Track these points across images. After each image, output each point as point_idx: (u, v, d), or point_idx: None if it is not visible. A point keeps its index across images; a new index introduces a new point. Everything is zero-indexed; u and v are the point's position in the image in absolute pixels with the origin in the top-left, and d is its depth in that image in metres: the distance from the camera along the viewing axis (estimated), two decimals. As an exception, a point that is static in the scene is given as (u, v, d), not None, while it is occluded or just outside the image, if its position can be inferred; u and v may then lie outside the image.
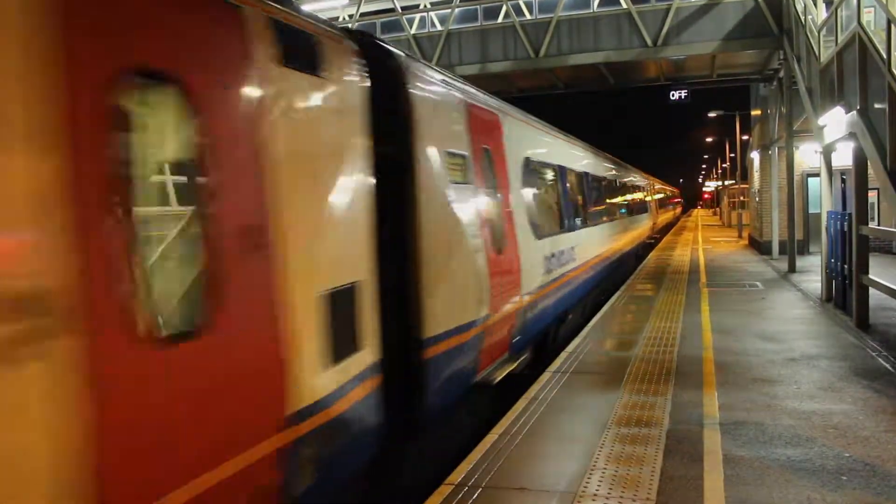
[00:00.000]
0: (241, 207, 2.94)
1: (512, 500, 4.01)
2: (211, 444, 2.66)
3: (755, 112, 25.42)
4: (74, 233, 2.15)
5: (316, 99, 3.57)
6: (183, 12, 2.77)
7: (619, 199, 16.74)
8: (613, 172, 16.18)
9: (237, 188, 2.92)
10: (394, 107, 4.67)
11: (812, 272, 14.45)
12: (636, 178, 22.01)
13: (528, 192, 7.58)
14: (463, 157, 5.58)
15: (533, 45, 18.64)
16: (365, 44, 4.33)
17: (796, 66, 14.07)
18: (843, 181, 10.22)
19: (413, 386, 4.60)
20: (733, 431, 5.10)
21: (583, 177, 11.58)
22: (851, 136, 8.77)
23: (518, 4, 19.26)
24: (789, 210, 15.86)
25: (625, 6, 17.88)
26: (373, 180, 4.06)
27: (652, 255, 21.70)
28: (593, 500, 3.95)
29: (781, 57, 16.61)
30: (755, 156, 23.41)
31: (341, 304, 3.58)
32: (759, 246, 21.16)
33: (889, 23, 7.28)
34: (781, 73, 16.86)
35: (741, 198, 33.57)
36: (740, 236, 29.46)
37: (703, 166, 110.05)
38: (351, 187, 3.83)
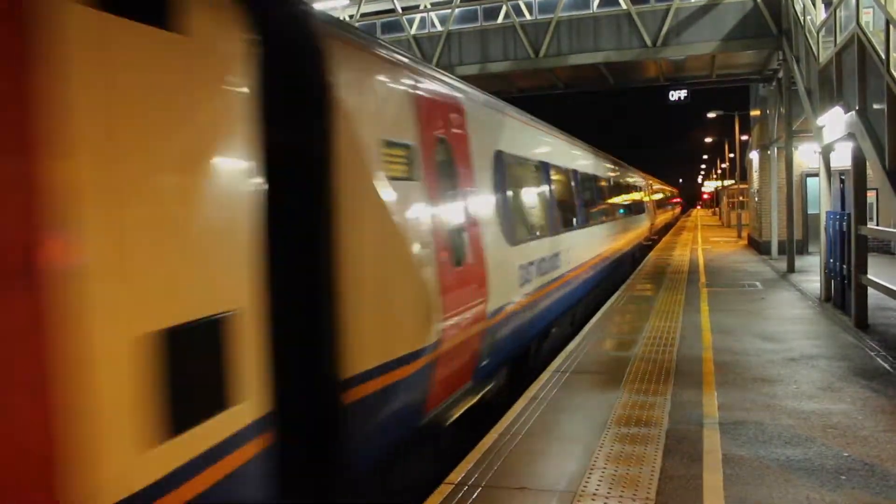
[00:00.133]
0: None
1: (512, 500, 4.02)
2: None
3: (754, 112, 25.47)
4: None
5: (155, 62, 2.54)
6: None
7: (613, 200, 15.57)
8: (607, 171, 15.16)
9: None
10: (306, 82, 3.74)
11: (811, 272, 14.47)
12: (633, 177, 21.16)
13: (501, 192, 6.55)
14: (406, 147, 4.53)
15: (533, 46, 18.66)
16: None
17: (795, 67, 14.09)
18: (842, 181, 10.22)
19: (330, 438, 3.70)
20: (733, 431, 5.12)
21: (571, 175, 10.52)
22: (850, 136, 8.79)
23: (518, 5, 19.28)
24: (788, 210, 15.88)
25: (625, 6, 17.90)
26: (258, 176, 3.05)
27: (651, 255, 21.70)
28: (593, 499, 3.97)
29: (781, 57, 16.64)
30: (754, 156, 23.43)
31: (195, 344, 2.62)
32: (758, 246, 21.18)
33: (888, 23, 7.30)
34: (781, 74, 16.88)
35: (740, 198, 33.59)
36: (739, 236, 29.48)
37: (703, 166, 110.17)
38: (217, 185, 2.82)
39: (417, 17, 20.67)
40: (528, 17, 19.22)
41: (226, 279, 2.82)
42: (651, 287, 13.55)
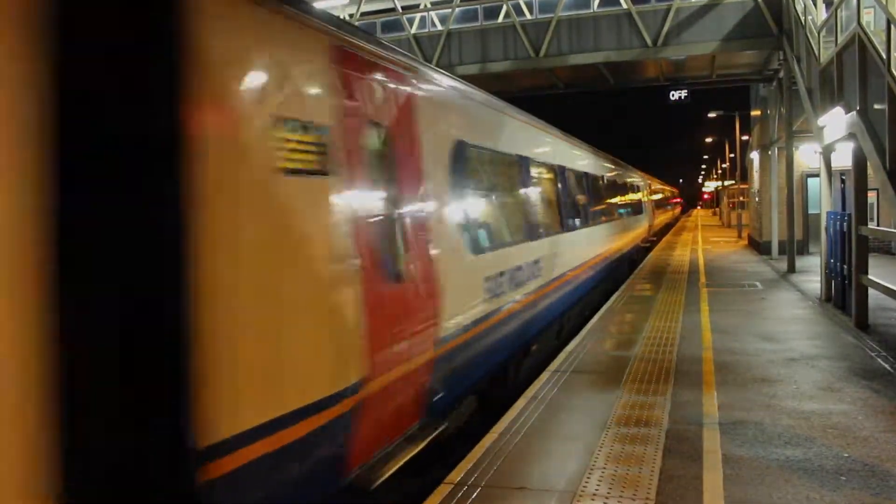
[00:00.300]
0: None
1: (511, 499, 4.01)
2: None
3: (755, 112, 25.44)
4: None
5: None
6: None
7: (607, 200, 14.56)
8: (600, 169, 14.15)
9: None
10: (143, 26, 2.72)
11: (811, 272, 14.45)
12: (630, 176, 20.51)
13: (462, 191, 5.57)
14: (318, 130, 3.51)
15: (533, 45, 18.65)
16: None
17: (796, 67, 14.08)
18: (843, 181, 10.22)
19: None
20: (733, 431, 5.11)
21: (557, 172, 9.53)
22: (851, 136, 8.78)
23: (518, 4, 19.27)
24: (789, 210, 15.87)
25: (625, 6, 17.89)
26: (33, 174, 2.26)
27: (651, 255, 21.69)
28: (593, 499, 3.96)
29: (781, 57, 16.63)
30: (755, 156, 23.42)
31: None
32: (758, 246, 21.17)
33: (889, 23, 7.29)
34: (781, 74, 16.87)
35: (741, 198, 33.58)
36: (740, 236, 29.48)
37: (703, 166, 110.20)
38: None
39: (417, 16, 20.66)
40: (528, 16, 19.22)
41: None
42: (651, 287, 13.54)
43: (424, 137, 4.90)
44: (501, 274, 6.22)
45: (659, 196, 35.92)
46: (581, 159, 11.94)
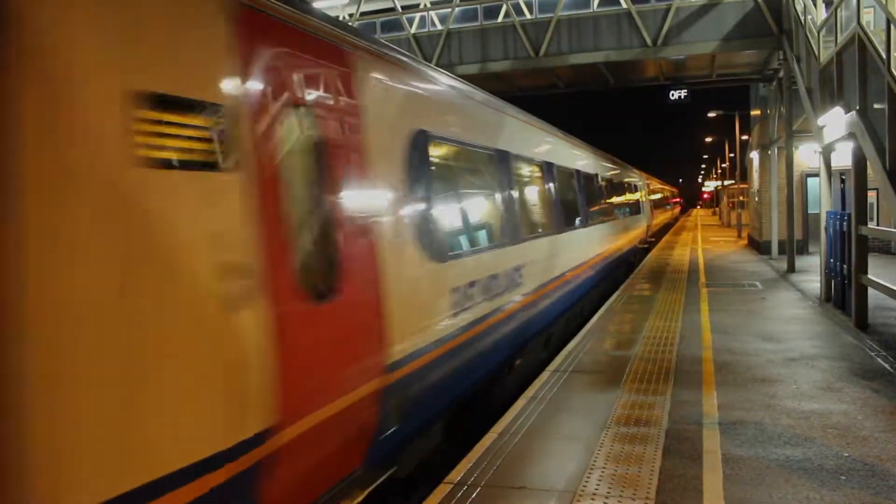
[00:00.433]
0: None
1: (511, 499, 4.01)
2: None
3: (755, 112, 25.46)
4: None
5: None
6: None
7: (602, 200, 13.84)
8: (595, 167, 13.33)
9: None
10: None
11: (811, 272, 14.46)
12: (628, 175, 19.87)
13: (422, 188, 4.83)
14: (207, 111, 2.74)
15: (533, 45, 18.65)
16: None
17: (796, 66, 14.08)
18: (843, 181, 10.22)
19: None
20: (732, 431, 5.11)
21: (544, 169, 8.81)
22: (851, 136, 8.78)
23: (518, 4, 19.27)
24: (788, 210, 15.87)
25: (625, 6, 17.89)
26: None
27: (650, 254, 21.68)
28: (592, 499, 3.96)
29: (781, 57, 16.63)
30: (754, 156, 23.42)
31: None
32: (758, 246, 21.17)
33: (889, 23, 7.29)
34: (781, 73, 16.87)
35: (740, 198, 33.59)
36: (739, 236, 29.49)
37: (703, 166, 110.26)
38: None
39: (417, 16, 20.66)
40: (528, 16, 19.22)
41: None
42: (651, 286, 13.54)
43: (371, 125, 4.15)
44: (473, 284, 5.49)
45: (658, 196, 35.88)
46: (572, 156, 11.19)
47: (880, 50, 7.58)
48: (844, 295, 9.85)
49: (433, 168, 5.11)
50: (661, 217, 37.07)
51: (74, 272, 2.21)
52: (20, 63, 2.12)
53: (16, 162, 2.08)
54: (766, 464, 4.46)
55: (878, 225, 16.53)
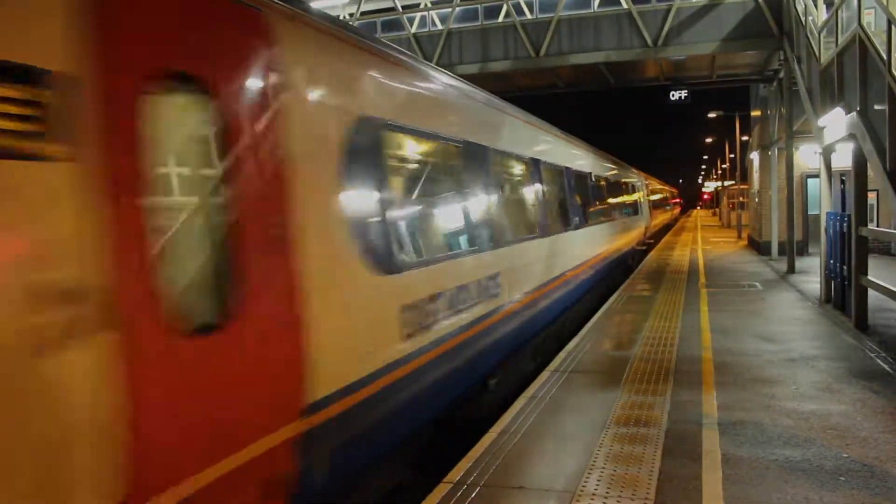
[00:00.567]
0: None
1: (510, 499, 4.01)
2: None
3: (755, 113, 25.44)
4: None
5: None
6: None
7: (597, 200, 13.19)
8: (590, 167, 12.71)
9: None
10: None
11: (811, 273, 14.46)
12: (627, 175, 19.39)
13: (364, 184, 4.10)
14: (26, 80, 2.09)
15: (533, 45, 18.65)
16: None
17: (796, 67, 14.08)
18: (843, 182, 10.22)
19: None
20: (732, 431, 5.11)
21: (530, 165, 8.17)
22: (851, 137, 8.78)
23: (519, 4, 19.28)
24: (788, 211, 15.88)
25: (625, 6, 17.89)
26: None
27: (650, 255, 21.67)
28: (592, 499, 3.96)
29: (781, 58, 16.63)
30: (755, 156, 23.42)
31: None
32: (758, 247, 21.17)
33: (889, 24, 7.28)
34: (781, 74, 16.87)
35: (740, 198, 33.60)
36: (739, 237, 29.49)
37: (703, 167, 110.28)
38: None
39: (418, 15, 20.65)
40: (528, 16, 19.22)
41: None
42: (650, 287, 13.54)
43: (291, 106, 3.40)
44: (434, 298, 4.75)
45: (658, 196, 35.85)
46: (564, 154, 10.46)
47: (881, 51, 7.57)
48: (844, 296, 9.85)
49: (381, 161, 4.32)
50: (661, 218, 37.03)
51: None
52: None
53: None
54: (765, 464, 4.46)
55: (878, 226, 16.53)
